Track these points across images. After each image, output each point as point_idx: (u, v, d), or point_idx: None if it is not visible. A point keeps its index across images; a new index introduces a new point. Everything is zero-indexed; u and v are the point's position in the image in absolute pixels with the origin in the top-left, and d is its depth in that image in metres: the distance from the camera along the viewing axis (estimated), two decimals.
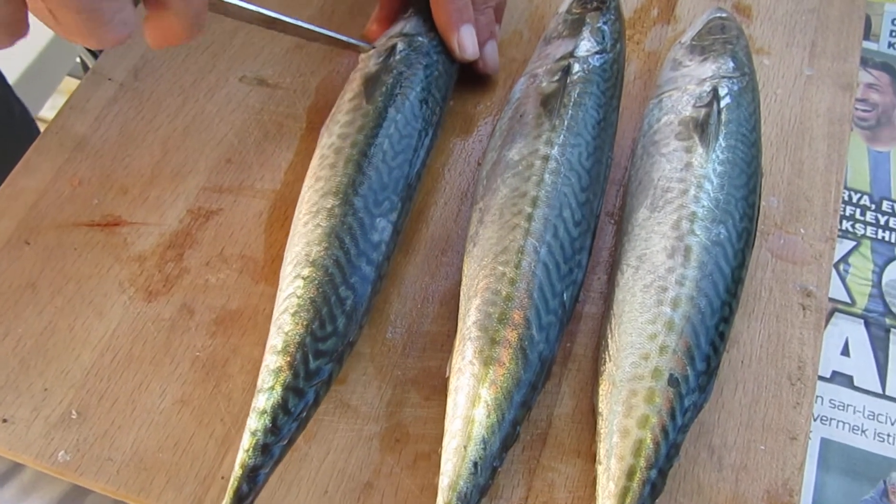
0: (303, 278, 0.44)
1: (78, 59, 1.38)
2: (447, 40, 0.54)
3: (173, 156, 0.55)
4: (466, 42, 0.54)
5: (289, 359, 0.42)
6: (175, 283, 0.50)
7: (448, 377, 0.45)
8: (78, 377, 0.47)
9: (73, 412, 0.46)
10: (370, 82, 0.51)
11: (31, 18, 0.41)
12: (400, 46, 0.53)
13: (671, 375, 0.42)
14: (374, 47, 0.55)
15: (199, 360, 0.48)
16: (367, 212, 0.46)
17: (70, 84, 1.52)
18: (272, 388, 0.42)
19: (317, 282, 0.44)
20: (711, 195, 0.46)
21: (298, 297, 0.44)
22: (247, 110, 0.58)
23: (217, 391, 0.47)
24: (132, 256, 0.51)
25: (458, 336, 0.45)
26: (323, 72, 0.59)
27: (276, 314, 0.44)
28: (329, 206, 0.46)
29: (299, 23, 0.54)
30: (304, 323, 0.43)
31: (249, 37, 0.61)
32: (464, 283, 0.47)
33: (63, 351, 0.48)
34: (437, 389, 0.46)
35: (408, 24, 0.55)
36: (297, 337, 0.43)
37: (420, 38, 0.54)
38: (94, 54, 1.26)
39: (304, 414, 0.42)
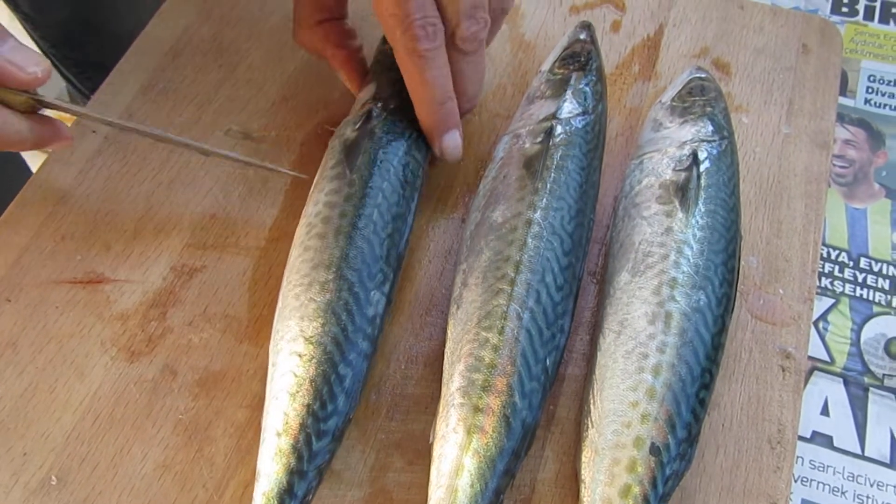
0: (299, 356, 0.44)
1: (63, 85, 1.38)
2: (430, 143, 0.53)
3: (157, 211, 0.55)
4: (450, 148, 0.53)
5: (291, 441, 0.42)
6: (158, 343, 0.50)
7: (432, 442, 0.45)
8: (59, 441, 0.47)
9: (53, 478, 0.45)
10: (351, 150, 0.51)
11: None
12: (375, 112, 0.53)
13: (653, 444, 0.42)
14: (304, 176, 0.54)
15: (182, 423, 0.48)
16: (361, 285, 0.46)
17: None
18: (276, 472, 0.42)
19: (315, 360, 0.44)
20: (691, 261, 0.47)
21: (297, 376, 0.44)
22: (232, 164, 0.58)
23: (200, 455, 0.47)
24: (115, 315, 0.51)
25: (442, 402, 0.45)
26: (308, 126, 0.60)
27: (272, 390, 0.44)
28: (322, 279, 0.46)
29: (229, 154, 0.55)
30: (305, 403, 0.43)
31: (235, 89, 0.61)
32: (448, 346, 0.47)
33: (43, 413, 0.47)
34: (421, 453, 0.46)
35: (378, 88, 0.55)
36: (299, 418, 0.43)
37: (393, 102, 0.54)
38: (76, 87, 1.25)
39: (310, 497, 0.42)
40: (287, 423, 0.43)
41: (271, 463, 0.42)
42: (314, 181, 0.52)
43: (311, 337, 0.44)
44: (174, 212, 0.55)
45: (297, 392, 0.43)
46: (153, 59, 0.63)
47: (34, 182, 0.56)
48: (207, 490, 0.45)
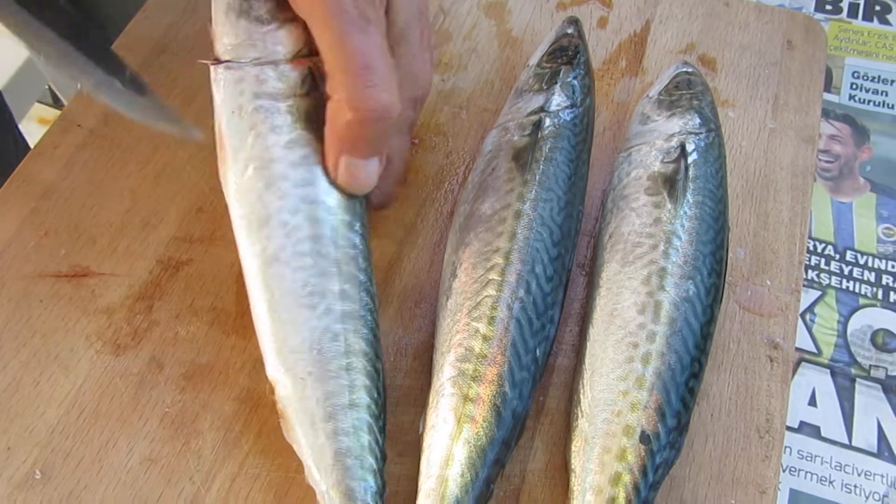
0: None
1: (47, 87, 1.38)
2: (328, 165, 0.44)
3: (143, 204, 0.55)
4: (351, 178, 0.43)
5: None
6: (144, 337, 0.50)
7: (421, 433, 0.44)
8: (43, 435, 0.46)
9: (37, 472, 0.45)
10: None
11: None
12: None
13: (643, 432, 0.42)
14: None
15: (168, 416, 0.47)
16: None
17: (39, 110, 1.51)
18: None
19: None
20: (680, 251, 0.47)
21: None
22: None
23: (186, 448, 0.46)
24: (100, 309, 0.50)
25: (432, 392, 0.45)
26: None
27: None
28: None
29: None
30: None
31: None
32: (437, 337, 0.47)
33: (27, 407, 0.47)
34: (411, 445, 0.46)
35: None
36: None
37: None
38: (59, 100, 1.25)
39: None
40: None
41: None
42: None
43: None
44: (160, 205, 0.55)
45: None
46: (138, 55, 0.62)
47: (17, 177, 0.55)
48: (195, 483, 0.45)
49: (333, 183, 0.44)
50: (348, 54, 0.41)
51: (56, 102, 1.46)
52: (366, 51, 0.41)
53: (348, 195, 0.44)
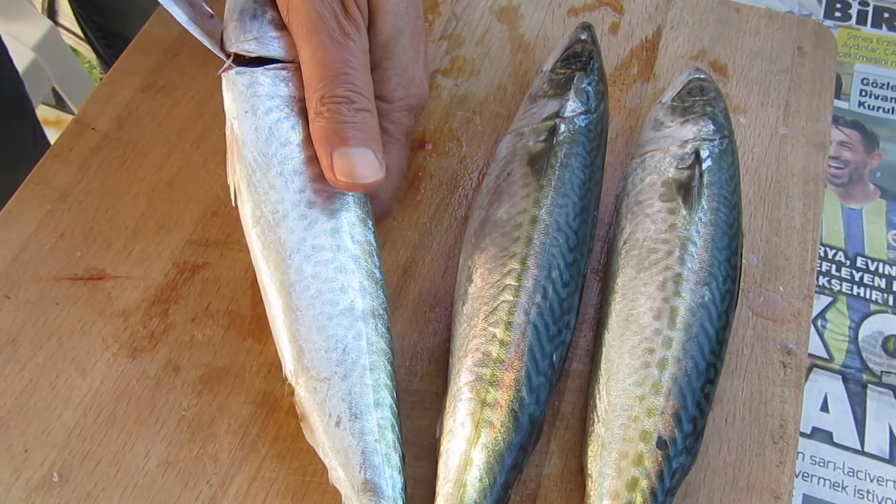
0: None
1: (51, 88, 1.38)
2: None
3: (158, 208, 0.55)
4: (350, 168, 0.42)
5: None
6: (160, 340, 0.50)
7: (438, 437, 0.45)
8: (60, 438, 0.46)
9: (55, 475, 0.45)
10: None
11: None
12: None
13: (659, 437, 0.43)
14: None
15: (185, 419, 0.47)
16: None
17: (43, 112, 1.51)
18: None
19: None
20: (696, 257, 0.47)
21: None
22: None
23: (203, 452, 0.46)
24: (116, 312, 0.51)
25: (449, 396, 0.45)
26: None
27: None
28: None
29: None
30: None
31: None
32: (453, 342, 0.47)
33: (44, 410, 0.47)
34: (427, 449, 0.46)
35: None
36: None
37: None
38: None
39: None
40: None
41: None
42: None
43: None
44: (175, 209, 0.55)
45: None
46: (152, 57, 0.62)
47: (32, 180, 0.56)
48: (212, 486, 0.45)
49: (339, 187, 0.43)
50: (327, 62, 0.43)
51: (59, 103, 1.46)
52: (343, 60, 0.43)
53: (356, 196, 0.45)
